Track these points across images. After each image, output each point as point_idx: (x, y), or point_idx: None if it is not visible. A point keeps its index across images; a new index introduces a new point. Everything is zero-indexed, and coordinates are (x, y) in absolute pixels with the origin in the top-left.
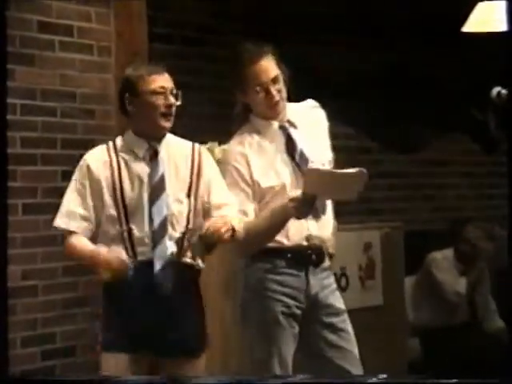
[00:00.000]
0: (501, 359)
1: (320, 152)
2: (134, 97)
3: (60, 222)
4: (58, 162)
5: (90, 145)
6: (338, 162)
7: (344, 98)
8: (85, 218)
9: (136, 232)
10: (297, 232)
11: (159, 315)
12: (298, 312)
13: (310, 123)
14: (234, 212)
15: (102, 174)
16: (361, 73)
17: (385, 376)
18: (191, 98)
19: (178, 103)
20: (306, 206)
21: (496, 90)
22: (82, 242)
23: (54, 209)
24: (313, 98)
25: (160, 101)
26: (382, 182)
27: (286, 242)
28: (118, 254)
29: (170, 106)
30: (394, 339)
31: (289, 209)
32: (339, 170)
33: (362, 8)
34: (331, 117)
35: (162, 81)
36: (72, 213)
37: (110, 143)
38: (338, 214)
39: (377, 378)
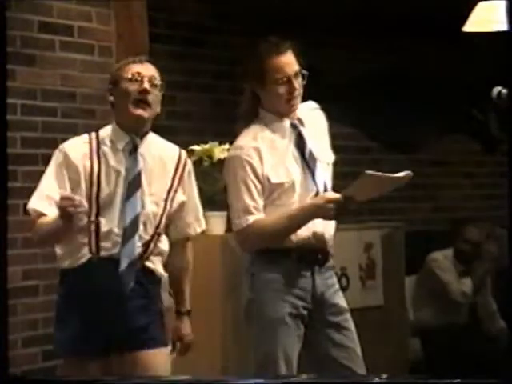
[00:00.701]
0: (501, 359)
1: (324, 152)
2: (114, 86)
3: (37, 204)
4: None
5: None
6: (337, 163)
7: (344, 98)
8: (49, 200)
9: (103, 226)
10: (304, 229)
11: (116, 313)
12: (305, 313)
13: (312, 124)
14: (196, 232)
15: (81, 164)
16: (361, 73)
17: (385, 376)
18: (191, 98)
19: (157, 92)
20: (340, 208)
21: (496, 89)
22: (46, 219)
23: None
24: (313, 99)
25: (134, 87)
26: None
27: (293, 238)
28: (67, 194)
29: (143, 92)
30: (394, 339)
31: (321, 209)
32: (392, 175)
33: (363, 9)
34: (331, 117)
35: (139, 68)
36: (49, 197)
37: (93, 134)
38: (338, 214)
39: (379, 378)
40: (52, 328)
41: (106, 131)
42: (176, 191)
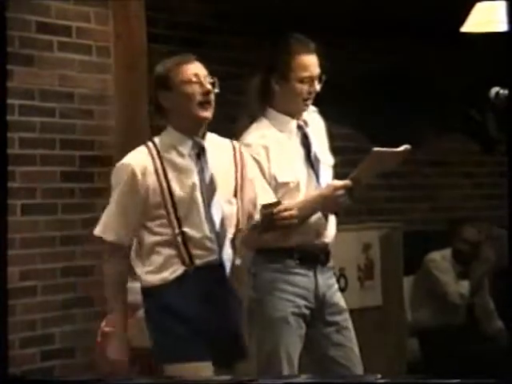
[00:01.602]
0: (501, 359)
1: (325, 154)
2: (167, 90)
3: (99, 231)
4: (57, 162)
5: (88, 145)
6: (337, 164)
7: (342, 98)
8: (124, 229)
9: (194, 234)
10: (309, 230)
11: (218, 321)
12: (307, 312)
13: (313, 126)
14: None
15: (148, 179)
16: (359, 73)
17: (380, 376)
18: None
19: (216, 91)
20: (347, 193)
21: (494, 90)
22: (115, 280)
23: (53, 209)
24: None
25: (196, 89)
26: (381, 182)
27: (295, 237)
28: (118, 352)
29: (207, 93)
30: (392, 339)
31: (329, 198)
32: (395, 149)
33: (361, 9)
34: (330, 118)
35: (194, 68)
36: (111, 224)
37: (150, 144)
38: (336, 214)
39: (376, 378)
40: (51, 329)
41: (165, 138)
42: (242, 185)
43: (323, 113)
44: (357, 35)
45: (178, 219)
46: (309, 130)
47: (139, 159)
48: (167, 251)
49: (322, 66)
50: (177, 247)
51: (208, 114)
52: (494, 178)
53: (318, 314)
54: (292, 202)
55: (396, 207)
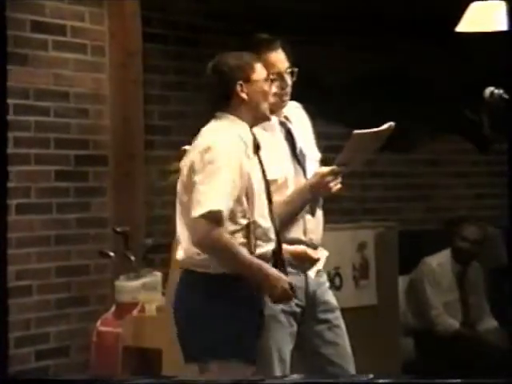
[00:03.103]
0: (493, 359)
1: (311, 150)
2: (249, 84)
3: (220, 204)
4: (52, 161)
5: (83, 144)
6: (326, 161)
7: (338, 97)
8: (232, 201)
9: (262, 224)
10: (295, 226)
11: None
12: (298, 310)
13: (297, 122)
14: None
15: (244, 162)
16: (354, 73)
17: (372, 375)
18: (185, 97)
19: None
20: (334, 178)
21: (489, 89)
22: (236, 245)
23: (48, 209)
24: (308, 98)
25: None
26: (376, 181)
27: (284, 236)
28: (283, 281)
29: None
30: (387, 339)
31: (318, 186)
32: (376, 129)
33: (358, 8)
34: (325, 117)
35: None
36: (222, 196)
37: (233, 131)
38: (331, 214)
39: (369, 378)
40: (46, 328)
41: (238, 128)
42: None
43: (322, 112)
44: (352, 36)
45: (252, 208)
46: (292, 126)
47: (233, 141)
48: (239, 239)
49: (290, 60)
50: (247, 235)
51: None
52: (488, 178)
53: (309, 312)
54: (281, 198)
55: (391, 206)
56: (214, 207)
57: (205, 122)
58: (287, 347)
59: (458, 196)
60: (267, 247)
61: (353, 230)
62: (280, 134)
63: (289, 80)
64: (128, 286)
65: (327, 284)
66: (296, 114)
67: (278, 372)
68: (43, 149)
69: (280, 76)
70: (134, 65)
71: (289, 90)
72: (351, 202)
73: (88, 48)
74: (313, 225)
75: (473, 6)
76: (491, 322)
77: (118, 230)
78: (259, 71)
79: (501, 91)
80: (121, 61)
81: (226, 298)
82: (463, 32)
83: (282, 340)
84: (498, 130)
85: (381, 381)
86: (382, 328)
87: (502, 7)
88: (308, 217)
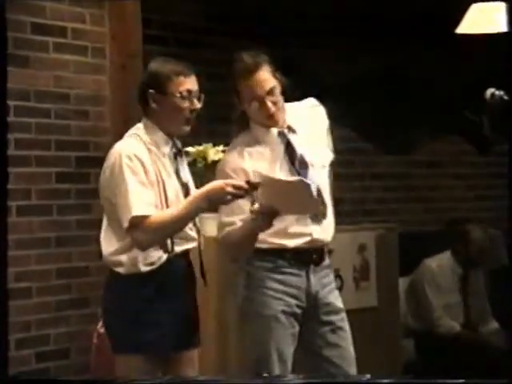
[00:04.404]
0: (494, 361)
1: (320, 154)
2: (161, 95)
3: (140, 210)
4: (52, 163)
5: (84, 146)
6: (334, 164)
7: (339, 99)
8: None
9: None
10: (300, 236)
11: (186, 309)
12: (299, 311)
13: (310, 124)
14: None
15: (150, 166)
16: (355, 74)
17: (369, 376)
18: None
19: (199, 106)
20: (267, 219)
21: (490, 91)
22: (161, 217)
23: (49, 210)
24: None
25: (185, 104)
26: (376, 183)
27: (288, 244)
28: (210, 187)
29: (194, 111)
30: (388, 340)
31: (250, 222)
32: (284, 178)
33: (358, 10)
34: (328, 118)
35: (189, 84)
36: (146, 201)
37: (137, 136)
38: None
39: (368, 379)
40: (46, 330)
41: (148, 133)
42: None
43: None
44: (353, 37)
45: (167, 207)
46: (293, 136)
47: (137, 147)
48: None
49: (275, 76)
50: None
51: (189, 128)
52: (488, 180)
53: (311, 313)
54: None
55: (391, 208)
56: (134, 213)
57: (205, 122)
58: (288, 348)
59: (458, 197)
60: (185, 245)
61: (353, 231)
62: (278, 146)
63: (269, 102)
64: None
65: (333, 285)
66: (307, 117)
67: (277, 372)
68: (44, 150)
69: (259, 100)
70: (135, 67)
71: (275, 108)
72: (351, 203)
73: (88, 50)
74: (319, 233)
75: (474, 8)
76: (493, 323)
77: None
78: (177, 84)
79: (501, 92)
80: (121, 63)
81: (133, 297)
82: (464, 33)
83: (282, 340)
84: (498, 131)
85: (381, 381)
86: (383, 330)
87: (503, 9)
88: (314, 227)
